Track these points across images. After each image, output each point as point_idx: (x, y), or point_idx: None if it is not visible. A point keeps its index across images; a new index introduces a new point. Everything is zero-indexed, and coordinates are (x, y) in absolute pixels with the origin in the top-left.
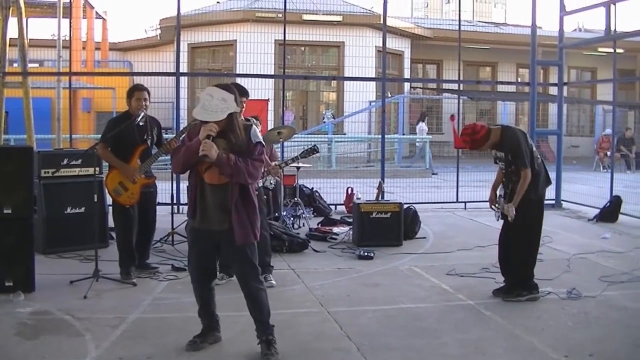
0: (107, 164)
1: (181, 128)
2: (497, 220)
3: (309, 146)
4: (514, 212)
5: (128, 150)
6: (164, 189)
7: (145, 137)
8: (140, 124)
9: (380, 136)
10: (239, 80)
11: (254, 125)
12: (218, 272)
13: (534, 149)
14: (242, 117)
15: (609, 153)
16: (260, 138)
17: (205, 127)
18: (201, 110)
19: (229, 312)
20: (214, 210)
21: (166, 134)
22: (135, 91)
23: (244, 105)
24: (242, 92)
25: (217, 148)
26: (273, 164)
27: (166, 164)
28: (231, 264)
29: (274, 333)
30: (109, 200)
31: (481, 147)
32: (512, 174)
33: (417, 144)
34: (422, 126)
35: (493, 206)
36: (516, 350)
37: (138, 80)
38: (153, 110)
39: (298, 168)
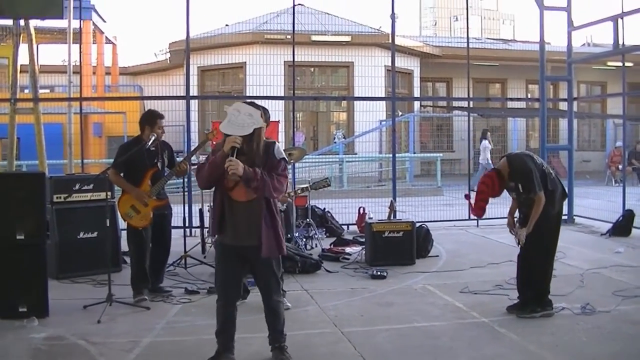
0: (119, 188)
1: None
2: (518, 245)
3: (321, 178)
4: (525, 237)
5: (139, 174)
6: (176, 212)
7: (155, 160)
8: (152, 148)
9: (391, 155)
10: None
11: (277, 143)
12: None
13: (545, 165)
14: (265, 138)
15: (620, 167)
16: (284, 155)
17: (230, 138)
18: (228, 124)
19: (243, 334)
20: (244, 227)
21: (178, 157)
22: (158, 119)
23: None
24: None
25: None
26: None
27: (178, 187)
28: (257, 278)
29: (286, 340)
30: (121, 224)
31: (502, 191)
32: (524, 201)
33: (481, 162)
34: (486, 144)
35: (512, 231)
36: None
37: (149, 104)
38: (164, 133)
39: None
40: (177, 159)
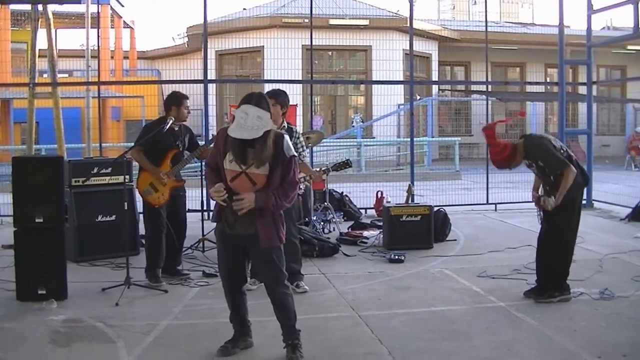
0: (136, 170)
1: (210, 135)
2: (540, 222)
3: (343, 160)
4: (552, 206)
5: (160, 154)
6: (194, 196)
7: (177, 142)
8: (175, 129)
9: (409, 139)
10: (267, 86)
11: (286, 136)
12: (249, 278)
13: (565, 148)
14: (286, 123)
15: None
16: (293, 150)
17: (213, 192)
18: (237, 128)
19: (260, 317)
20: (244, 216)
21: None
22: (183, 99)
23: (286, 111)
24: (274, 97)
25: (249, 160)
26: (315, 170)
27: (196, 171)
28: (258, 269)
29: (299, 337)
30: (139, 208)
31: (510, 165)
32: (547, 178)
33: None
34: None
35: (537, 204)
36: (549, 352)
37: (166, 88)
38: (190, 113)
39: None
40: (201, 142)
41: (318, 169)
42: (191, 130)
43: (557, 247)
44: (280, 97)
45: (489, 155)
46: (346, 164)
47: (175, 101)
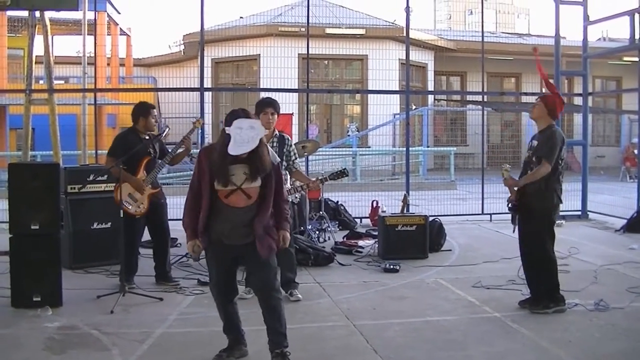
0: None
1: (206, 143)
2: (513, 232)
3: (340, 169)
4: (512, 181)
5: (135, 163)
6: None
7: (149, 149)
8: (147, 137)
9: (404, 149)
10: (262, 95)
11: (268, 146)
12: (245, 287)
13: (562, 159)
14: (277, 132)
15: (636, 151)
16: (277, 157)
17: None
18: (235, 145)
19: (255, 326)
20: (238, 227)
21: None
22: (151, 109)
23: (276, 118)
24: (272, 105)
25: (241, 174)
26: (312, 179)
27: (188, 179)
28: (254, 275)
29: (287, 346)
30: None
31: (548, 107)
32: (530, 162)
33: None
34: None
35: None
36: None
37: (162, 96)
38: (177, 125)
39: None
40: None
41: (315, 178)
42: (160, 138)
43: (543, 255)
44: (277, 104)
45: (558, 106)
46: (343, 173)
47: (142, 112)
